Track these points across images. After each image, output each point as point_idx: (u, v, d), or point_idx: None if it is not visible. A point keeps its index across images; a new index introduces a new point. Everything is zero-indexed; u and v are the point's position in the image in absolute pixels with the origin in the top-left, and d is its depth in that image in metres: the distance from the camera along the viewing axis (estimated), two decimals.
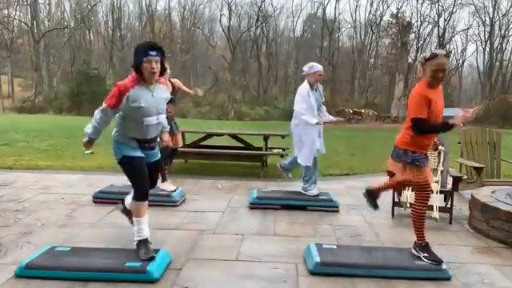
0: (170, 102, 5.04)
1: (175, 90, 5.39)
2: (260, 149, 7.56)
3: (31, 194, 5.29)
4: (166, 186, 5.19)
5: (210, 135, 7.97)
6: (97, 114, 3.13)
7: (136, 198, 3.21)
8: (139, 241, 3.19)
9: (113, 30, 37.50)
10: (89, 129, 3.18)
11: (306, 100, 4.92)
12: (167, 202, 4.90)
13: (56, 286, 2.83)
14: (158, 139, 3.43)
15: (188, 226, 4.21)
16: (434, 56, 3.08)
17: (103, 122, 3.13)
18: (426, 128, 3.17)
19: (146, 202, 3.25)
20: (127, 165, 3.18)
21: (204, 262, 3.29)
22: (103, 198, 4.90)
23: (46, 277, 2.89)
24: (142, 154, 3.22)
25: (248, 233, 4.04)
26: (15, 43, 35.43)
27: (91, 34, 40.76)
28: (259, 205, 4.93)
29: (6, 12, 33.62)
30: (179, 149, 7.58)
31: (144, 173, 3.19)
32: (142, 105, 3.05)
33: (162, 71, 3.16)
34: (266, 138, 7.37)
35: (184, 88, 5.66)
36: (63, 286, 2.83)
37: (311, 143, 4.98)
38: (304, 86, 5.02)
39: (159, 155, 3.42)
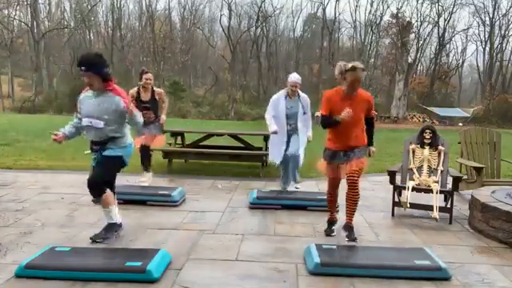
0: (148, 109, 5.43)
1: (155, 99, 5.65)
2: (260, 149, 7.57)
3: (31, 194, 5.29)
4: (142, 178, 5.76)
5: (210, 135, 7.97)
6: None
7: None
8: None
9: (113, 30, 37.50)
10: None
11: (272, 105, 5.39)
12: (167, 202, 4.90)
13: (56, 285, 2.82)
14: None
15: (188, 225, 4.21)
16: (353, 69, 3.55)
17: (73, 121, 3.74)
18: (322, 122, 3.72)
19: (99, 198, 3.65)
20: None
21: (204, 262, 3.29)
22: None
23: (46, 277, 2.89)
24: (93, 163, 3.70)
25: (248, 233, 4.04)
26: (15, 43, 35.42)
27: (91, 34, 40.75)
28: (259, 205, 4.93)
29: (6, 12, 33.62)
30: (178, 149, 7.60)
31: None
32: (82, 106, 3.55)
33: (106, 80, 3.45)
34: (265, 138, 7.37)
35: (163, 102, 5.85)
36: (63, 286, 2.82)
37: (275, 142, 5.44)
38: (278, 93, 5.47)
39: (112, 153, 3.58)
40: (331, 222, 4.09)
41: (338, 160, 3.78)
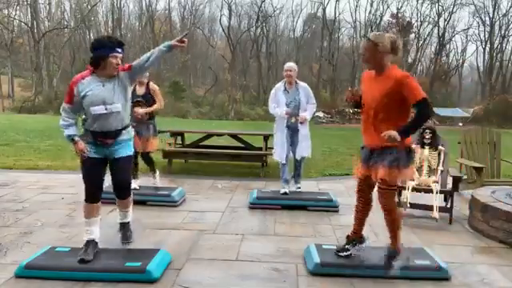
0: (138, 104, 4.99)
1: (150, 94, 5.21)
2: (260, 149, 7.56)
3: (31, 194, 5.29)
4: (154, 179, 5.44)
5: (210, 135, 7.98)
6: (61, 112, 3.18)
7: (84, 198, 3.25)
8: (86, 240, 3.21)
9: (113, 30, 37.50)
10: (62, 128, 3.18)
11: (271, 99, 5.25)
12: (167, 202, 4.90)
13: (56, 286, 2.82)
14: (126, 137, 3.29)
15: (188, 225, 4.21)
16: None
17: (66, 118, 3.14)
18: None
19: (95, 204, 3.24)
20: (82, 163, 3.23)
21: (204, 262, 3.29)
22: (102, 198, 4.86)
23: (46, 277, 2.89)
24: (94, 155, 3.18)
25: (248, 233, 4.04)
26: (15, 43, 35.45)
27: (91, 34, 40.79)
28: (259, 205, 4.93)
29: (6, 12, 33.63)
30: (178, 149, 7.60)
31: (91, 174, 3.20)
32: (88, 94, 3.07)
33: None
34: (265, 138, 7.37)
35: (158, 98, 5.27)
36: (63, 286, 2.82)
37: (278, 141, 5.22)
38: (276, 86, 5.33)
39: (128, 152, 3.29)
40: (349, 237, 3.34)
41: (366, 159, 3.04)
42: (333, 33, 36.76)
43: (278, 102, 5.15)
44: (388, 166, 2.87)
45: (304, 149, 5.21)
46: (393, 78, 2.85)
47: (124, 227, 3.59)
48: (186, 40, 3.17)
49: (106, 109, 3.08)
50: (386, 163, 2.88)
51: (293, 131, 5.17)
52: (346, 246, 3.31)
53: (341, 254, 3.27)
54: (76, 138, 3.12)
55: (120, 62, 3.12)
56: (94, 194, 3.22)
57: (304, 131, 5.19)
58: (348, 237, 3.35)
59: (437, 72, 36.12)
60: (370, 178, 3.06)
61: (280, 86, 5.23)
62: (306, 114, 5.13)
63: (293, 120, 5.12)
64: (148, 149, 5.21)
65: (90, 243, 3.18)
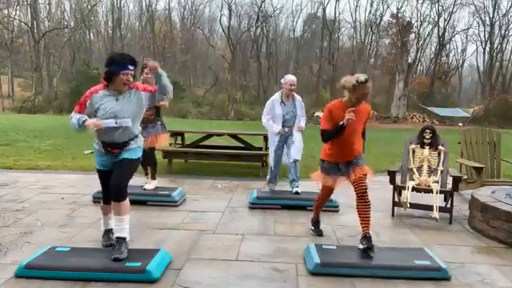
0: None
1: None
2: (260, 149, 7.57)
3: (31, 194, 5.29)
4: (148, 185, 5.33)
5: (210, 135, 7.98)
6: (72, 117, 3.30)
7: (102, 199, 3.58)
8: (104, 230, 3.64)
9: (113, 30, 37.49)
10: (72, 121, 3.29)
11: (267, 110, 5.33)
12: (167, 202, 4.90)
13: (56, 286, 2.82)
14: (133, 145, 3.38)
15: (188, 225, 4.22)
16: (367, 81, 3.40)
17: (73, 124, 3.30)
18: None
19: (109, 205, 3.43)
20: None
21: (204, 262, 3.29)
22: None
23: (46, 277, 2.89)
24: (102, 168, 3.43)
25: (248, 233, 4.04)
26: (15, 43, 35.43)
27: (91, 34, 40.80)
28: (259, 205, 4.93)
29: (6, 12, 33.62)
30: (178, 149, 7.61)
31: (104, 183, 3.47)
32: (101, 107, 3.23)
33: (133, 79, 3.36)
34: (265, 137, 7.36)
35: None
36: (63, 286, 2.82)
37: (274, 144, 5.39)
38: (273, 97, 5.40)
39: (133, 156, 3.34)
40: (317, 221, 4.10)
41: (336, 172, 3.73)
42: (333, 33, 36.71)
43: (273, 114, 5.28)
44: (363, 165, 3.65)
45: (296, 151, 5.30)
46: (366, 110, 3.66)
47: (119, 242, 3.22)
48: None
49: (116, 123, 3.22)
50: (362, 164, 3.64)
51: (286, 137, 5.34)
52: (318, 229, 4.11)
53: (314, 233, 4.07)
54: (84, 118, 3.20)
55: (131, 78, 3.23)
56: (107, 198, 3.44)
57: (297, 134, 5.33)
58: (314, 220, 4.14)
59: (437, 72, 36.10)
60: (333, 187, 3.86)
61: (277, 97, 5.33)
62: (302, 124, 5.35)
63: (286, 130, 5.29)
64: (154, 144, 5.23)
65: (109, 232, 3.54)
